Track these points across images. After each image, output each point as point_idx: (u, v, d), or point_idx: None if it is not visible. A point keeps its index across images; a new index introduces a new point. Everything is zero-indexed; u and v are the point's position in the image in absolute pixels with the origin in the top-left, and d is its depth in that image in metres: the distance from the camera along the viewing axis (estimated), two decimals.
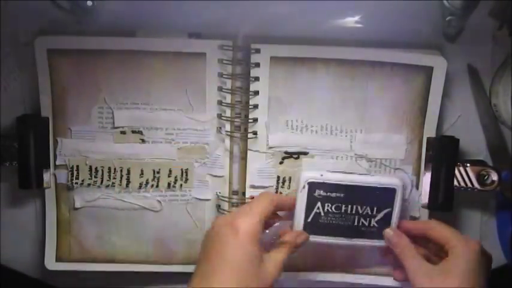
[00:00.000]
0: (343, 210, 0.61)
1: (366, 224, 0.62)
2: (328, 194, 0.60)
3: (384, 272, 0.67)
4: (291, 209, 0.61)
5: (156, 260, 0.68)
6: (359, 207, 0.61)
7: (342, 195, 0.61)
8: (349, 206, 0.61)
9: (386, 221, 0.62)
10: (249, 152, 0.65)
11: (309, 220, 0.61)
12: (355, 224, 0.62)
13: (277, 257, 0.56)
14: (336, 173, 0.62)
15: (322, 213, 0.61)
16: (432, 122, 0.65)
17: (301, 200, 0.61)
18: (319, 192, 0.60)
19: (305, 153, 0.65)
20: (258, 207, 0.56)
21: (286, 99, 0.65)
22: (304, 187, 0.60)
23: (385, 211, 0.62)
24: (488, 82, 0.67)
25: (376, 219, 0.62)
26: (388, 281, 0.66)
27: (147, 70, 0.65)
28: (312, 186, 0.60)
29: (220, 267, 0.51)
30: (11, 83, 0.66)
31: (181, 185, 0.67)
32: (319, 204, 0.61)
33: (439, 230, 0.59)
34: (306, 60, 0.64)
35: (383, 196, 0.61)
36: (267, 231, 0.60)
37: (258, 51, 0.64)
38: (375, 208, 0.61)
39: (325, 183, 0.61)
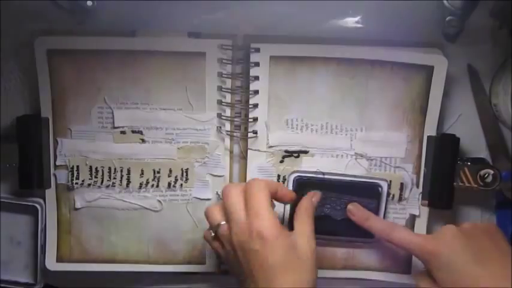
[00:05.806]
0: (329, 208, 0.62)
1: (352, 221, 0.62)
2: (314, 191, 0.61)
3: (382, 267, 0.67)
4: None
5: (156, 260, 0.68)
6: (344, 205, 0.62)
7: (328, 192, 0.61)
8: (335, 204, 0.61)
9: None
10: (249, 152, 0.65)
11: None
12: (341, 221, 0.62)
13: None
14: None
15: None
16: (433, 121, 0.65)
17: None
18: (305, 190, 0.61)
19: (305, 152, 0.65)
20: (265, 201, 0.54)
21: (286, 98, 0.65)
22: (291, 185, 0.62)
23: (371, 209, 0.62)
24: (488, 82, 0.67)
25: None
26: (387, 276, 0.67)
27: (147, 70, 0.65)
28: (299, 183, 0.61)
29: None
30: (11, 83, 0.67)
31: (181, 185, 0.67)
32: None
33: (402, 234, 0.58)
34: (305, 59, 0.64)
35: (368, 194, 0.62)
36: None
37: (257, 50, 0.64)
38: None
39: (311, 181, 0.61)
